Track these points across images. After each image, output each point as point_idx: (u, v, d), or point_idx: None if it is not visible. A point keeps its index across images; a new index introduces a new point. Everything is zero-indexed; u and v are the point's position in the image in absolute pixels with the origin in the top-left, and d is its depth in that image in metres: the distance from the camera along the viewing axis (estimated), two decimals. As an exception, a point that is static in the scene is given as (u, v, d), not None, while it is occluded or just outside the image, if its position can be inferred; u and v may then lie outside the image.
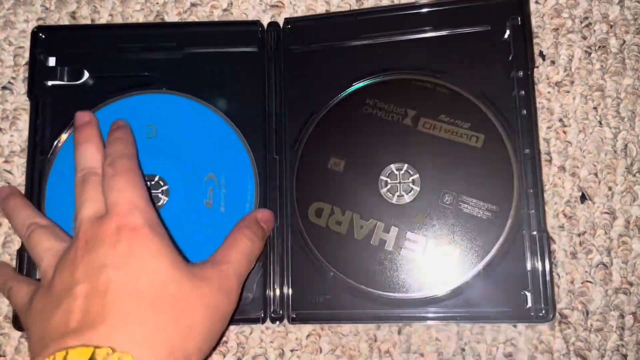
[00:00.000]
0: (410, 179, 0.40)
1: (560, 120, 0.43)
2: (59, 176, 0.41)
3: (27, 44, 0.45)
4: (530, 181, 0.39)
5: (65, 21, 0.45)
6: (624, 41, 0.44)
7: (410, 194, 0.40)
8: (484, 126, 0.40)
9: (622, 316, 0.41)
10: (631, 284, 0.41)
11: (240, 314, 0.39)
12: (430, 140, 0.40)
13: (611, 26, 0.44)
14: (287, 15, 0.44)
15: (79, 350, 0.25)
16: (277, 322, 0.40)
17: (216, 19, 0.45)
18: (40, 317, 0.29)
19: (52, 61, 0.43)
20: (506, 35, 0.41)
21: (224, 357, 0.41)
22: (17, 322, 0.39)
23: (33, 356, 0.28)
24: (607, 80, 0.44)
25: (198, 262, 0.33)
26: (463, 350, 0.40)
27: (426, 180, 0.40)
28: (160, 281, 0.29)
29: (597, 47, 0.44)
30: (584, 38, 0.44)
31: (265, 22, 0.44)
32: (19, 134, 0.44)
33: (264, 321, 0.40)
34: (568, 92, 0.43)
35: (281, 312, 0.39)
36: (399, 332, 0.41)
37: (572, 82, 0.43)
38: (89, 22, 0.45)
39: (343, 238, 0.40)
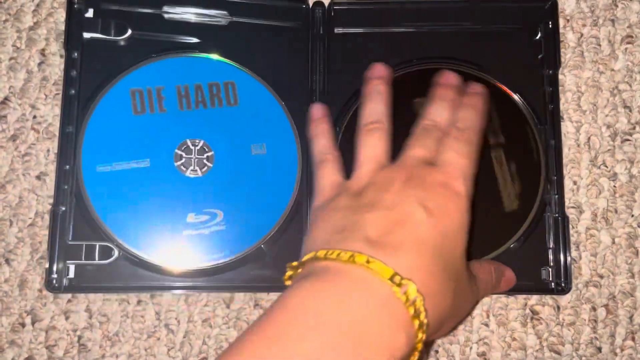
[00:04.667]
0: None
1: (522, 118, 0.43)
2: (97, 126, 0.41)
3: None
4: (554, 168, 0.41)
5: None
6: (582, 34, 0.44)
7: None
8: (516, 119, 0.42)
9: (594, 309, 0.41)
10: (601, 276, 0.41)
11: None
12: None
13: (568, 20, 0.44)
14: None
15: (380, 266, 0.27)
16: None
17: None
18: (342, 213, 0.32)
19: (90, 12, 0.43)
20: (538, 37, 0.43)
21: None
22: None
23: (320, 243, 0.31)
24: (567, 75, 0.44)
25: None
26: (437, 352, 0.41)
27: None
28: (447, 246, 0.31)
29: (554, 43, 0.44)
30: (541, 34, 0.44)
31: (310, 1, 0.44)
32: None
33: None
34: (528, 89, 0.44)
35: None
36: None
37: (531, 79, 0.44)
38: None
39: None
